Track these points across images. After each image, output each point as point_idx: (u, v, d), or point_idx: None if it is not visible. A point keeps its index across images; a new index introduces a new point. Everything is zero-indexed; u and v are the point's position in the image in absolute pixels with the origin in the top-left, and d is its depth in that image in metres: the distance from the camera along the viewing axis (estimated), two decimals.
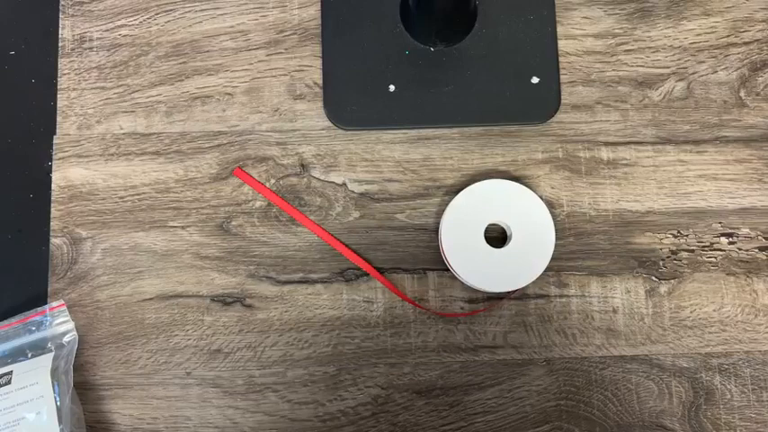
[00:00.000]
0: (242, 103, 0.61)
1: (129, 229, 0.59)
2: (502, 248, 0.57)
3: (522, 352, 0.58)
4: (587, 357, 0.58)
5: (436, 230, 0.59)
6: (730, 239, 0.59)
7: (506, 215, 0.57)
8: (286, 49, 0.61)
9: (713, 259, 0.59)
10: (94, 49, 0.61)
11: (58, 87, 0.61)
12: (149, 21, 0.62)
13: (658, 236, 0.59)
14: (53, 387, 0.54)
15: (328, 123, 0.60)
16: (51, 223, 0.59)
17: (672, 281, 0.59)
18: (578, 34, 0.62)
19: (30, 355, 0.56)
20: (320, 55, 0.61)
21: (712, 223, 0.59)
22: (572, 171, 0.60)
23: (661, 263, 0.59)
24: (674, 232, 0.59)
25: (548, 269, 0.59)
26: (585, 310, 0.58)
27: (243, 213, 0.59)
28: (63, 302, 0.57)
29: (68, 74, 0.61)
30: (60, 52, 0.61)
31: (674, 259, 0.59)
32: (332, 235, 0.59)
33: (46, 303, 0.58)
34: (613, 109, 0.61)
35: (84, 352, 0.58)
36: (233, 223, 0.59)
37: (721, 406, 0.57)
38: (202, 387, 0.57)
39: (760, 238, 0.59)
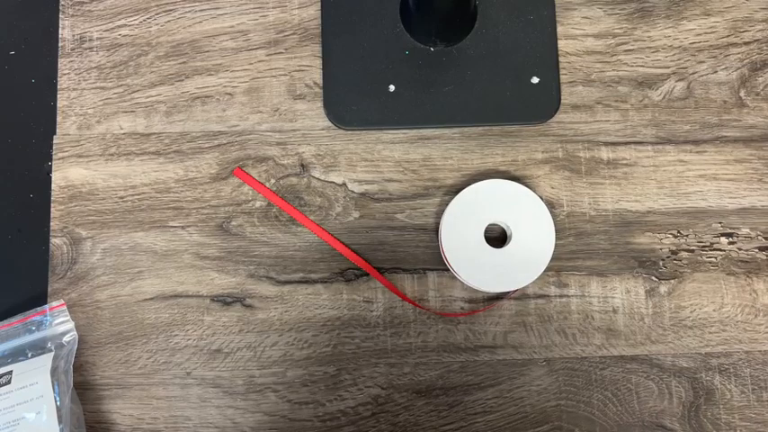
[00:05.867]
0: (242, 103, 0.61)
1: (129, 229, 0.59)
2: (502, 248, 0.57)
3: (522, 352, 0.58)
4: (587, 357, 0.58)
5: (436, 230, 0.59)
6: (730, 239, 0.59)
7: (506, 215, 0.57)
8: (286, 49, 0.61)
9: (713, 259, 0.59)
10: (94, 49, 0.61)
11: (58, 87, 0.61)
12: (149, 21, 0.62)
13: (658, 236, 0.59)
14: (53, 387, 0.54)
15: (328, 123, 0.60)
16: (51, 223, 0.59)
17: (672, 281, 0.59)
18: (578, 34, 0.62)
19: (30, 355, 0.56)
20: (320, 55, 0.61)
21: (712, 223, 0.59)
22: (572, 171, 0.60)
23: (661, 263, 0.59)
24: (674, 232, 0.59)
25: (548, 269, 0.59)
26: (585, 310, 0.58)
27: (243, 213, 0.59)
28: (63, 302, 0.57)
29: (68, 74, 0.61)
30: (60, 52, 0.61)
31: (674, 259, 0.59)
32: (332, 235, 0.59)
33: (46, 303, 0.58)
34: (613, 109, 0.61)
35: (84, 352, 0.58)
36: (233, 223, 0.59)
37: (721, 406, 0.57)
38: (202, 387, 0.57)
39: (760, 238, 0.59)
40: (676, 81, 0.61)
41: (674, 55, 0.61)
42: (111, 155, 0.60)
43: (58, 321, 0.57)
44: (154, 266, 0.59)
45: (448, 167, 0.60)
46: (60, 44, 0.61)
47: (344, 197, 0.60)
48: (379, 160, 0.60)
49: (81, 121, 0.60)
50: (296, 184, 0.60)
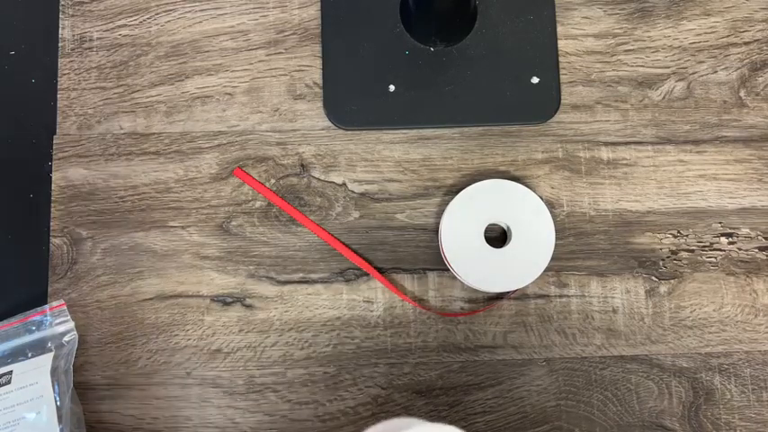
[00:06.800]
0: (242, 103, 0.61)
1: (129, 229, 0.59)
2: (502, 248, 0.57)
3: (522, 352, 0.58)
4: (587, 357, 0.58)
5: (436, 230, 0.59)
6: (730, 239, 0.59)
7: (506, 215, 0.57)
8: (286, 49, 0.61)
9: (713, 259, 0.59)
10: (94, 49, 0.61)
11: (58, 87, 0.61)
12: (149, 21, 0.62)
13: (658, 236, 0.59)
14: (53, 387, 0.54)
15: (328, 123, 0.60)
16: (51, 223, 0.59)
17: (672, 281, 0.59)
18: (578, 34, 0.62)
19: (30, 355, 0.56)
20: (320, 55, 0.61)
21: (712, 223, 0.59)
22: (572, 171, 0.60)
23: (661, 263, 0.59)
24: (674, 232, 0.59)
25: (548, 269, 0.59)
26: (585, 310, 0.58)
27: (243, 213, 0.59)
28: (63, 302, 0.57)
29: (68, 74, 0.61)
30: (60, 52, 0.61)
31: (674, 259, 0.59)
32: (332, 235, 0.59)
33: (46, 303, 0.58)
34: (613, 109, 0.61)
35: (84, 352, 0.58)
36: (233, 223, 0.59)
37: (721, 406, 0.57)
38: (202, 387, 0.57)
39: (760, 238, 0.59)
40: (676, 81, 0.61)
41: (674, 55, 0.61)
42: (111, 155, 0.60)
43: (58, 321, 0.57)
44: (154, 266, 0.59)
45: (448, 167, 0.60)
46: (60, 44, 0.61)
47: (344, 197, 0.60)
48: (379, 160, 0.60)
49: (81, 121, 0.60)
50: (296, 184, 0.60)
